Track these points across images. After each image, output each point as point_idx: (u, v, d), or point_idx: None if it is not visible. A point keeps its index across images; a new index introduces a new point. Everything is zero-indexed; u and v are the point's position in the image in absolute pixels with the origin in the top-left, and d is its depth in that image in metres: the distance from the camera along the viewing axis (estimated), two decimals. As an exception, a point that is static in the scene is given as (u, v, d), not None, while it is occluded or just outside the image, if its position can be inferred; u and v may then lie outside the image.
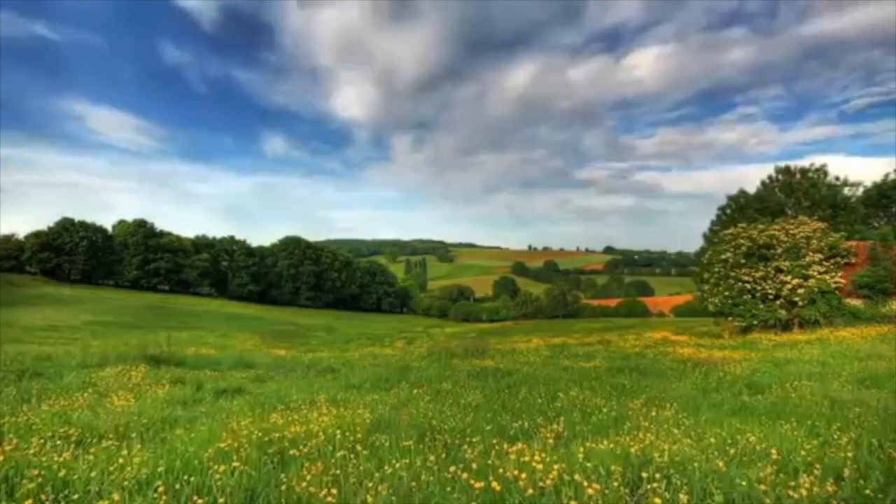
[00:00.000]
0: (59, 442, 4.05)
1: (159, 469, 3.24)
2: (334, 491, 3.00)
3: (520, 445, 3.99)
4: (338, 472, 3.33)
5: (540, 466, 3.16)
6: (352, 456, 3.76)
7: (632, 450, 3.74)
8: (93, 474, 3.13)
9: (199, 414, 5.92)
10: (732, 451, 4.00)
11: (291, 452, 3.83)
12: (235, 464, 3.32)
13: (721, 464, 3.50)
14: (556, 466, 3.18)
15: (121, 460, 3.38)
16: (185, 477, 3.13)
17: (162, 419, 5.38)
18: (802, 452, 3.91)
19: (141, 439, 4.40)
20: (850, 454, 3.85)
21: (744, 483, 3.12)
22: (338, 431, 4.30)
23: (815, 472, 3.49)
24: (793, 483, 3.21)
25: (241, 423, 4.70)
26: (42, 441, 4.00)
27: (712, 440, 4.39)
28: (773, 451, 3.82)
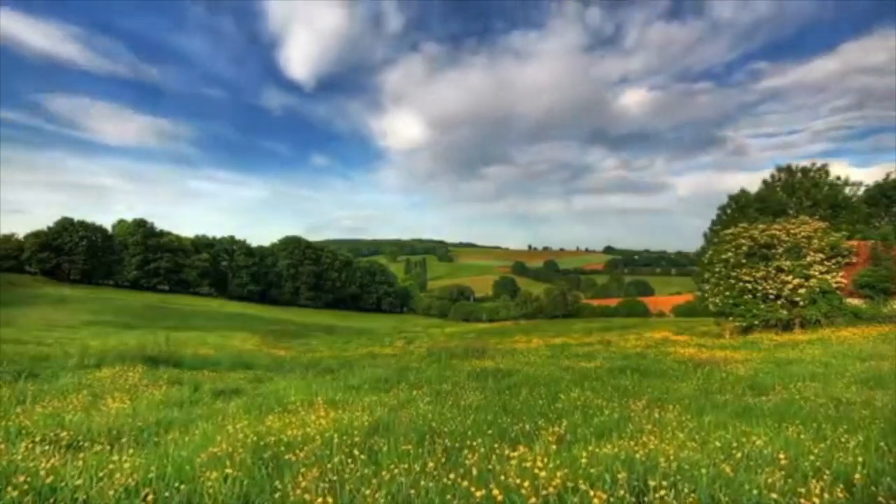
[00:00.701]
0: (47, 447, 3.94)
1: (150, 476, 3.14)
2: (330, 499, 2.90)
3: (521, 449, 3.89)
4: (334, 478, 3.24)
5: (543, 474, 3.06)
6: (349, 461, 3.66)
7: (637, 455, 3.64)
8: (78, 482, 3.02)
9: (195, 416, 5.82)
10: (739, 454, 3.90)
11: (287, 457, 3.73)
12: (228, 470, 3.22)
13: (728, 469, 3.41)
14: (559, 473, 3.08)
15: (111, 466, 3.28)
16: (177, 484, 3.03)
17: (157, 421, 5.28)
18: (811, 457, 3.81)
19: (134, 443, 4.30)
20: (859, 459, 3.75)
21: (755, 491, 3.03)
22: (335, 435, 4.20)
23: (825, 477, 3.40)
24: (803, 489, 3.11)
25: (236, 426, 4.59)
26: (31, 445, 3.91)
27: (717, 443, 4.29)
28: (782, 455, 3.72)
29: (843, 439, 4.68)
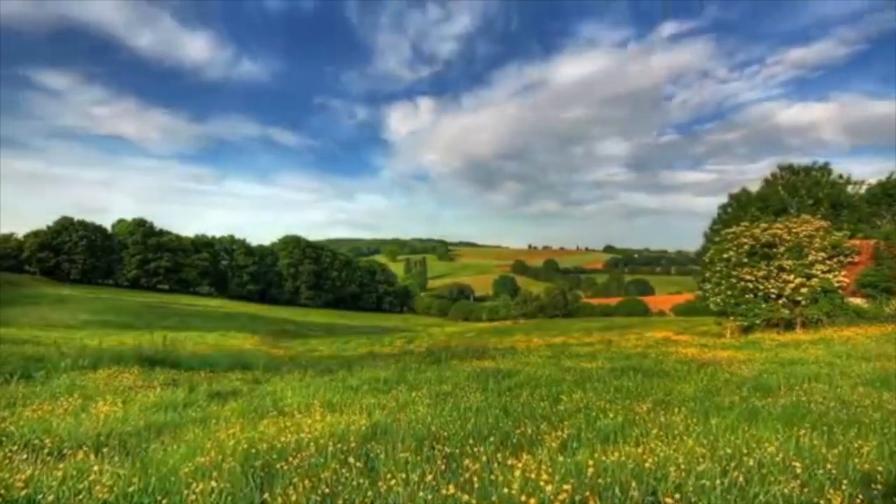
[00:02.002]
0: (29, 454, 3.77)
1: (130, 489, 2.98)
2: (322, 512, 2.73)
3: (525, 457, 3.73)
4: (327, 490, 3.07)
5: (549, 487, 2.89)
6: (344, 470, 3.49)
7: (646, 464, 3.48)
8: (51, 498, 2.85)
9: (187, 420, 5.65)
10: (751, 462, 3.74)
11: (279, 466, 3.55)
12: (213, 483, 3.05)
13: (741, 478, 3.24)
14: (565, 486, 2.91)
15: (91, 476, 3.12)
16: (159, 497, 2.86)
17: (147, 426, 5.11)
18: (828, 465, 3.64)
19: (121, 450, 4.13)
20: (878, 467, 3.59)
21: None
22: (330, 442, 4.03)
23: (843, 487, 3.24)
24: (821, 501, 2.95)
25: (228, 432, 4.43)
26: (11, 453, 3.74)
27: (728, 450, 4.12)
28: (797, 464, 3.56)
29: (856, 444, 4.53)
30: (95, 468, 3.27)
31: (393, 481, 3.17)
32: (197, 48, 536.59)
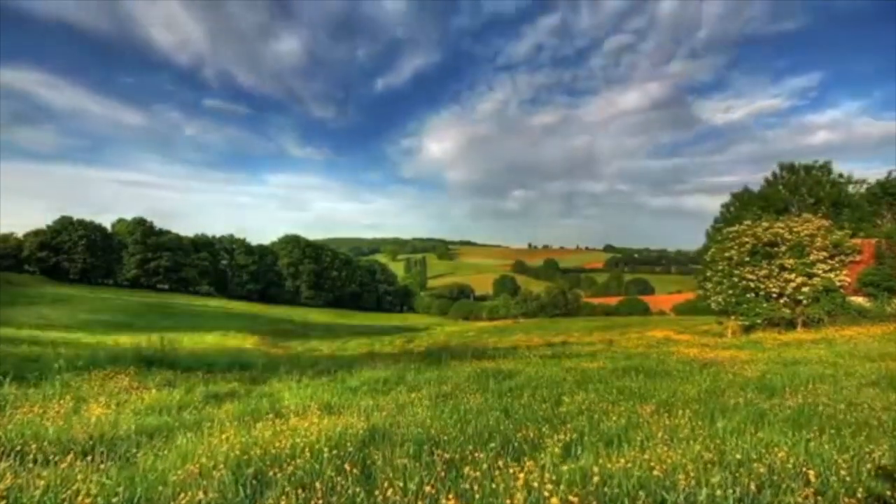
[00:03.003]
0: (9, 462, 3.62)
1: (115, 499, 2.85)
2: (316, 524, 2.60)
3: (527, 464, 3.60)
4: (321, 500, 2.94)
5: (554, 500, 2.76)
6: (339, 478, 3.36)
7: (654, 471, 3.35)
8: (27, 512, 2.72)
9: (181, 424, 5.51)
10: (762, 469, 3.61)
11: (271, 474, 3.42)
12: (201, 494, 2.92)
13: (753, 486, 3.12)
14: (571, 497, 2.78)
15: (76, 486, 2.99)
16: (144, 509, 2.74)
17: (139, 430, 4.97)
18: (842, 472, 3.52)
19: (110, 456, 4.00)
20: (892, 472, 3.46)
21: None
22: (325, 448, 3.90)
23: (859, 495, 3.11)
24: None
25: (222, 437, 4.30)
26: (-5, 460, 3.61)
27: (737, 455, 4.00)
28: (811, 472, 3.43)
29: (867, 448, 4.40)
30: (80, 476, 3.14)
31: (390, 490, 3.05)
32: (317, 113, 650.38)
